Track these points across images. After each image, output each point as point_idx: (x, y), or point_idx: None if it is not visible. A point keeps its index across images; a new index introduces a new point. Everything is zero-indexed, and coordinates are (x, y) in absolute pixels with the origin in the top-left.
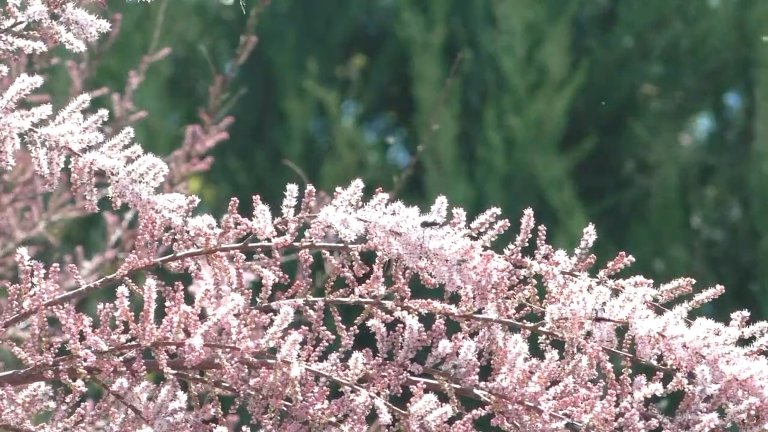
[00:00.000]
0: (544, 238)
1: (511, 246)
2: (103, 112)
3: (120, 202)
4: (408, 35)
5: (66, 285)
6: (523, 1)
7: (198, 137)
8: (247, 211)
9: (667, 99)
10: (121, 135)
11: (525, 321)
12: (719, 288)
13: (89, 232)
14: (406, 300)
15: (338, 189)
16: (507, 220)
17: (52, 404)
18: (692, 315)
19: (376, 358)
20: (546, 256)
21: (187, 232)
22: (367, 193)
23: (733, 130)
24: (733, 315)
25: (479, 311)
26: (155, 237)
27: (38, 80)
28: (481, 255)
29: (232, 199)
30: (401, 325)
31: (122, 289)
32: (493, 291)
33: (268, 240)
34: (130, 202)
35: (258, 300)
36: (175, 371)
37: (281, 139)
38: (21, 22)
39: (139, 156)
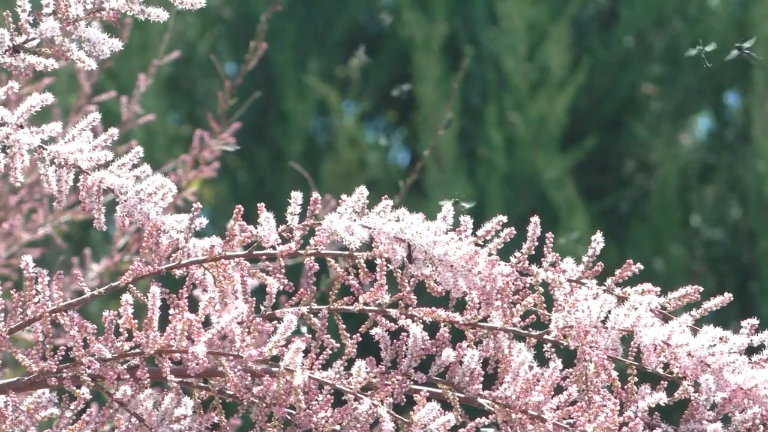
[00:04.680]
0: (551, 245)
1: (516, 252)
2: (114, 131)
3: (128, 221)
4: (408, 34)
5: (69, 287)
6: (525, 0)
7: (206, 144)
8: (248, 212)
9: (667, 99)
10: (131, 154)
11: (531, 329)
12: (727, 296)
13: (89, 232)
14: (410, 308)
15: (343, 196)
16: (513, 228)
17: (57, 411)
18: (697, 320)
19: (380, 366)
20: (553, 264)
21: (193, 248)
22: (368, 191)
23: (733, 130)
24: (743, 323)
25: (484, 319)
26: (162, 256)
27: (49, 97)
28: (485, 260)
29: (237, 206)
30: (405, 334)
31: (126, 297)
32: (499, 296)
33: (273, 247)
34: (137, 222)
35: (262, 308)
36: (178, 379)
37: (281, 138)
38: (33, 39)
39: (147, 175)
